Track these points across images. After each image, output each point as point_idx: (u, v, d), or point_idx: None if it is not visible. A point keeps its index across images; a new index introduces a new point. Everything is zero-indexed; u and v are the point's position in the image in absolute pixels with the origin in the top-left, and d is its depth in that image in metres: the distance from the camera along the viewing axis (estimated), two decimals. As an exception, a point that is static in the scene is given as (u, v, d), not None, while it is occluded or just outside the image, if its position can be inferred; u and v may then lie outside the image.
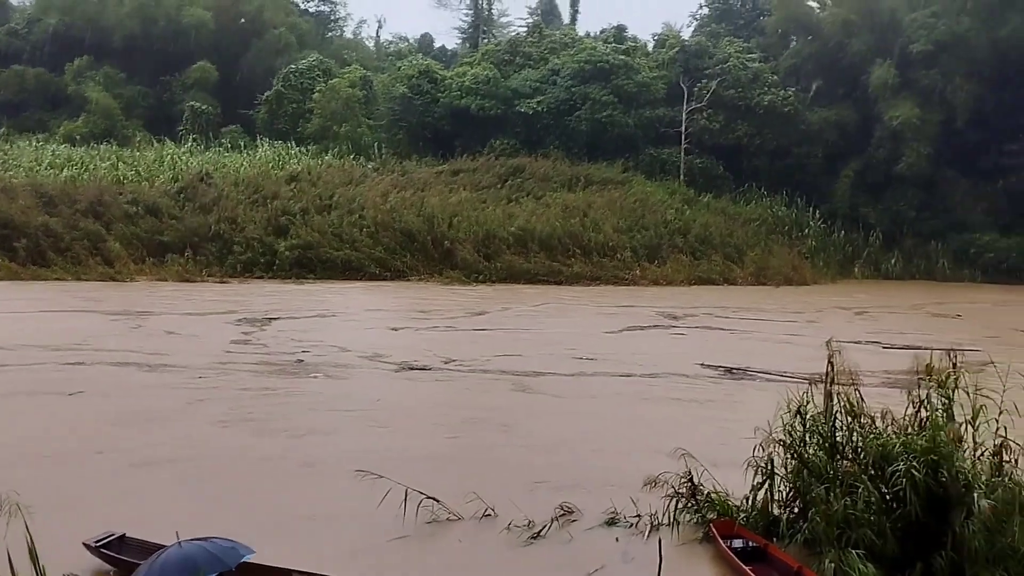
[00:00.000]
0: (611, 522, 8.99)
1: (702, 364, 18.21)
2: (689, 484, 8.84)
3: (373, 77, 55.00)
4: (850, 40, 47.70)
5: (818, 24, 51.21)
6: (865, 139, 46.47)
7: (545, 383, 16.58)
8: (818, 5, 54.26)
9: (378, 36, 78.80)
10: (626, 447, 12.25)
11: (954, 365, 8.30)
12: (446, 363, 18.28)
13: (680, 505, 8.87)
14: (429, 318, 25.80)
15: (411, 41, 74.60)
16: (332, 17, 73.30)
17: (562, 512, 9.08)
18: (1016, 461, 7.94)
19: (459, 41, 72.41)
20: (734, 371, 17.66)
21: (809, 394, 8.70)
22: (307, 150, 48.22)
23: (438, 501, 9.11)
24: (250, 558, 7.07)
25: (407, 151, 48.58)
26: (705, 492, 8.86)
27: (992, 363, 8.51)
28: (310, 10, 70.24)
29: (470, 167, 45.05)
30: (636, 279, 36.81)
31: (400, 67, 53.85)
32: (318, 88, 51.10)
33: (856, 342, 20.42)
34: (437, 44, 71.95)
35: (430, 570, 8.21)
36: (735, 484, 9.00)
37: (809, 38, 51.44)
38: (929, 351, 19.33)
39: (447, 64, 57.42)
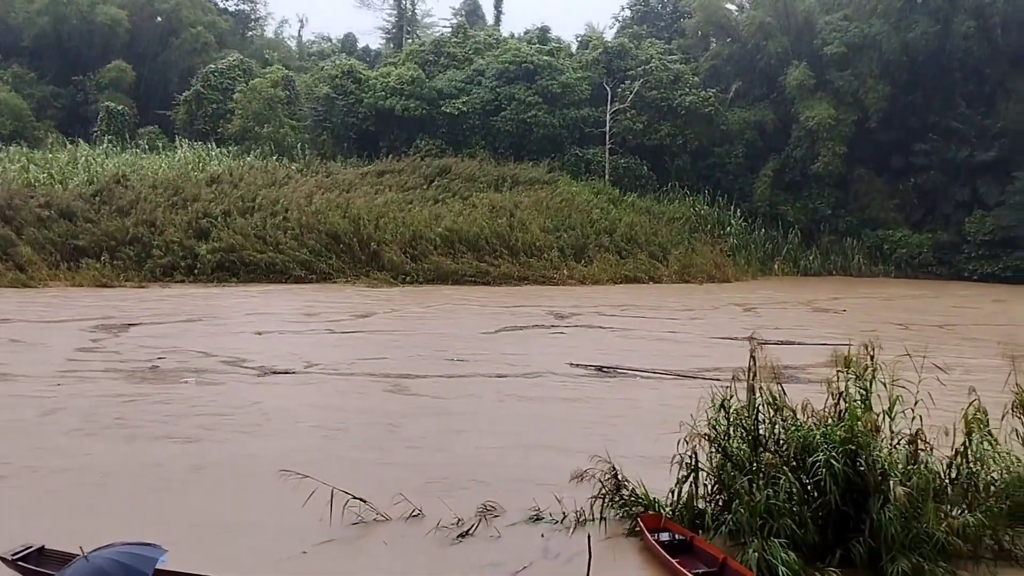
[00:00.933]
0: (536, 519, 8.99)
1: (571, 364, 18.12)
2: (613, 480, 8.90)
3: (295, 77, 54.26)
4: (767, 42, 48.84)
5: (736, 26, 52.28)
6: (783, 139, 47.68)
7: (416, 385, 16.29)
8: (736, 8, 55.44)
9: (300, 36, 77.93)
10: (527, 444, 12.18)
11: (872, 357, 8.53)
12: (307, 367, 17.91)
13: (606, 500, 8.92)
14: (309, 322, 25.13)
15: (334, 41, 73.92)
16: (252, 16, 72.20)
17: (484, 510, 9.04)
18: (931, 449, 8.21)
19: (383, 41, 72.03)
20: (604, 369, 17.58)
21: (733, 389, 8.82)
22: (228, 151, 47.20)
23: (365, 502, 8.99)
24: (164, 559, 6.80)
25: (331, 152, 48.05)
26: (630, 487, 8.92)
27: (908, 355, 8.78)
28: (229, 9, 69.01)
29: (396, 168, 44.76)
30: (563, 279, 37.01)
31: (323, 67, 53.26)
32: (239, 88, 50.17)
33: (732, 338, 21.16)
34: (360, 44, 71.40)
35: (360, 573, 8.10)
36: (647, 479, 9.09)
37: (728, 40, 52.53)
38: (800, 345, 19.68)
39: (371, 64, 56.98)
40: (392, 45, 68.28)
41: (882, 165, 46.95)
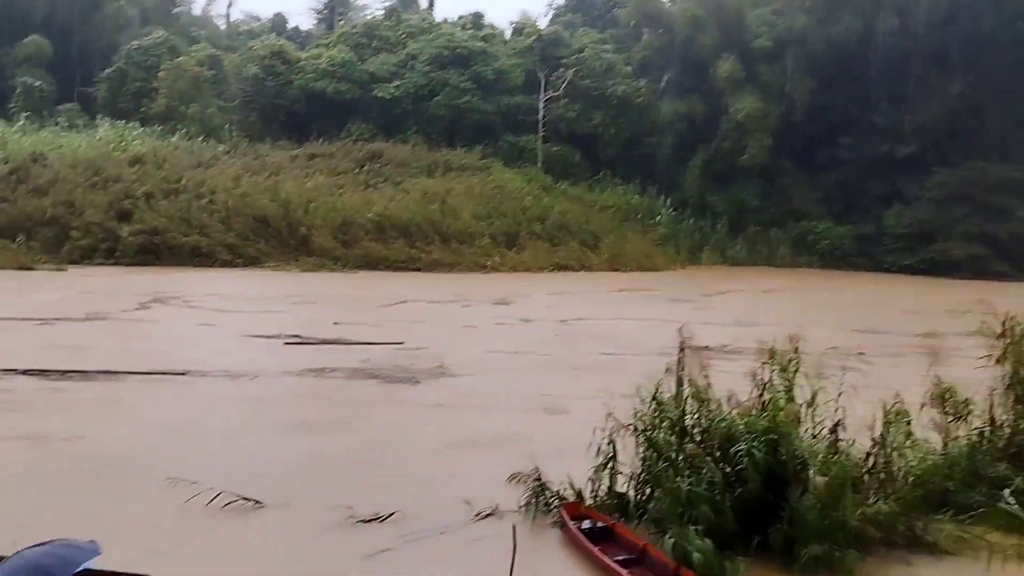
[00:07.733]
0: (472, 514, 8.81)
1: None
2: (537, 477, 8.83)
3: (223, 56, 53.08)
4: (698, 35, 49.43)
5: (669, 18, 52.81)
6: (712, 130, 48.34)
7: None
8: (668, 0, 56.00)
9: (228, 14, 76.39)
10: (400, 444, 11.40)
11: (796, 349, 8.68)
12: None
13: (529, 493, 8.82)
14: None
15: (264, 20, 72.47)
16: (179, -8, 70.12)
17: (392, 512, 8.72)
18: (852, 440, 8.40)
19: (314, 22, 70.62)
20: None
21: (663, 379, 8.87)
22: (152, 131, 45.93)
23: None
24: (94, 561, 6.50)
25: (260, 134, 47.14)
26: (553, 485, 8.84)
27: (836, 348, 8.96)
28: (154, -16, 66.76)
29: (327, 152, 44.16)
30: (496, 266, 37.02)
31: (252, 47, 52.17)
32: (163, 66, 48.82)
33: (272, 336, 18.91)
34: (291, 24, 69.90)
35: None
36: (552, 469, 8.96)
37: (660, 31, 53.01)
38: (339, 344, 17.90)
39: (302, 45, 55.98)
40: (323, 26, 67.03)
41: (806, 158, 47.96)
